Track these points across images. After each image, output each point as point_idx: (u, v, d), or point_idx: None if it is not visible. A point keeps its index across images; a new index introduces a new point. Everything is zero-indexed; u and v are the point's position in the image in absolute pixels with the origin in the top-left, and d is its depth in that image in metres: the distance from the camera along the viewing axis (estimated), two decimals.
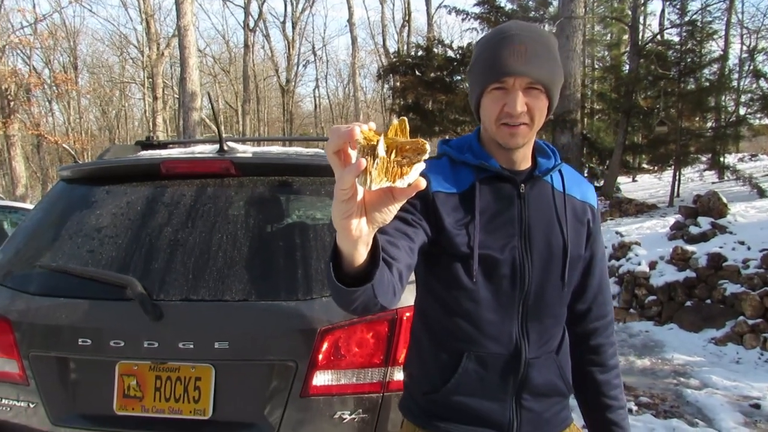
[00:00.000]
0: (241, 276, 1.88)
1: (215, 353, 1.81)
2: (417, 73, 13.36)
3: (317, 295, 1.83)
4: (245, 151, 2.32)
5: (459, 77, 13.97)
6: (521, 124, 1.16)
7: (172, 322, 1.82)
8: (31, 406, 1.92)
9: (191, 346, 1.81)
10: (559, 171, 1.30)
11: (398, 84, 14.06)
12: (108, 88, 33.79)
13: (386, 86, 15.78)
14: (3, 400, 1.95)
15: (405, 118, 0.75)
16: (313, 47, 37.84)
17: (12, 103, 17.34)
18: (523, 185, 1.24)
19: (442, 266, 1.22)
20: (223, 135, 2.31)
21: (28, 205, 7.10)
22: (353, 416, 1.81)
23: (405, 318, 1.82)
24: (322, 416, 1.80)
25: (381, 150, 0.68)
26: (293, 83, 34.31)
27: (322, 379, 1.80)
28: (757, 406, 4.04)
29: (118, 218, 2.08)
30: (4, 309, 1.95)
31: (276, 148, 2.70)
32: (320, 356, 1.79)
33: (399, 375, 1.81)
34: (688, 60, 10.99)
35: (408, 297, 1.84)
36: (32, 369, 1.91)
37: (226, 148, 2.28)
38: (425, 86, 12.96)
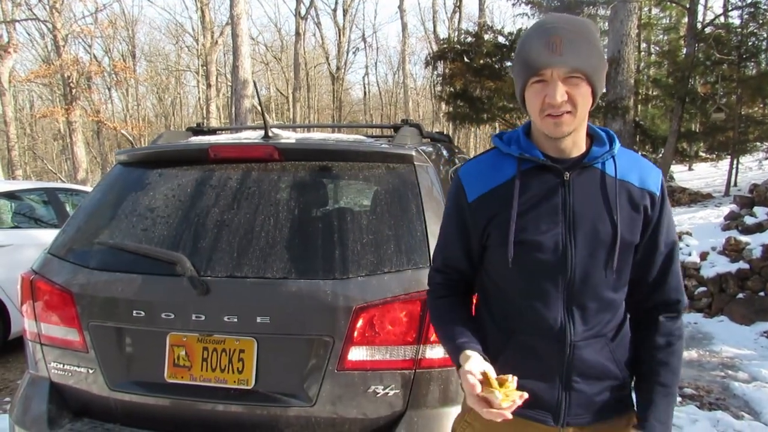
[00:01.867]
0: (282, 255, 1.98)
1: (257, 327, 1.92)
2: (465, 59, 13.22)
3: (353, 275, 1.91)
4: (289, 137, 2.43)
5: (508, 63, 13.76)
6: (564, 113, 1.20)
7: (217, 297, 1.94)
8: (90, 372, 2.08)
9: (235, 320, 1.93)
10: (613, 157, 1.29)
11: (446, 71, 13.96)
12: (164, 76, 34.84)
13: (435, 73, 15.69)
14: (65, 366, 2.13)
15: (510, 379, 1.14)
16: (363, 34, 38.00)
17: (74, 91, 18.11)
18: (567, 173, 1.27)
19: (488, 252, 1.35)
20: (269, 122, 2.41)
21: (89, 189, 7.47)
22: (386, 391, 1.89)
23: None
24: (357, 390, 1.89)
25: (498, 400, 1.10)
26: (343, 71, 34.49)
27: (357, 354, 1.88)
28: None
29: (170, 199, 2.21)
30: (66, 282, 2.11)
31: (321, 135, 2.79)
32: (355, 333, 1.88)
33: (430, 353, 1.88)
34: (749, 44, 10.49)
35: None
36: (91, 338, 2.07)
37: (270, 134, 2.39)
38: (473, 73, 12.81)
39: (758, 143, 11.47)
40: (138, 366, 2.06)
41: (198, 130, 2.94)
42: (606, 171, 1.28)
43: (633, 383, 1.38)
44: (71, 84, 18.09)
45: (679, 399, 3.97)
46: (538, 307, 1.27)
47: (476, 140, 34.08)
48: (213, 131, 2.99)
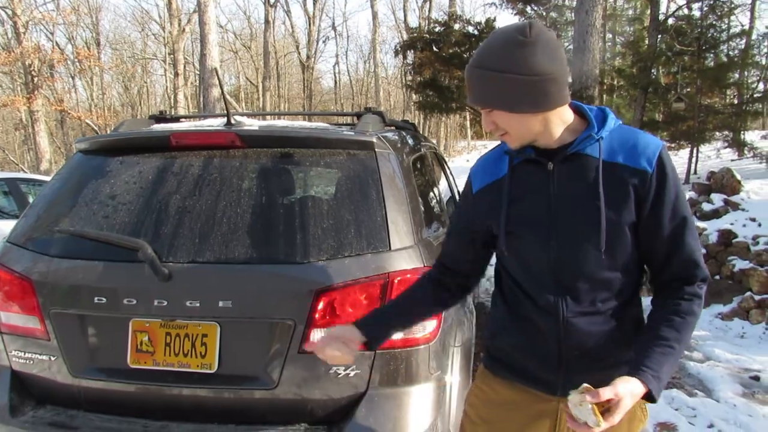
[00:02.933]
0: (243, 240, 2.01)
1: (220, 312, 1.95)
2: (434, 49, 13.29)
3: (314, 259, 1.95)
4: (252, 124, 2.44)
5: None
6: (501, 135, 1.34)
7: (179, 283, 1.97)
8: (53, 359, 2.08)
9: (197, 305, 1.96)
10: (600, 139, 1.31)
11: (415, 60, 14.00)
12: (130, 65, 34.09)
13: (404, 62, 15.72)
14: (27, 354, 2.13)
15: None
16: (333, 23, 37.73)
17: (35, 79, 17.65)
18: (551, 164, 1.33)
19: (496, 240, 1.45)
20: (231, 110, 2.42)
21: None
22: (347, 371, 1.94)
23: (396, 281, 1.94)
24: (319, 372, 1.93)
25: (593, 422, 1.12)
26: (313, 59, 34.25)
27: (318, 336, 1.93)
28: (757, 378, 4.11)
29: (131, 187, 2.22)
30: (26, 270, 2.11)
31: (285, 123, 2.81)
32: (316, 315, 1.92)
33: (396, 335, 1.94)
34: (708, 35, 10.78)
35: (401, 262, 1.98)
36: (53, 325, 2.07)
37: (233, 121, 2.40)
38: (442, 62, 12.90)
39: (717, 132, 11.79)
40: (101, 352, 2.07)
41: (161, 118, 2.92)
42: (592, 155, 1.31)
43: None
44: (33, 72, 17.63)
45: None
46: (534, 288, 1.37)
47: (446, 130, 34.26)
48: (176, 119, 2.98)
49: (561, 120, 1.33)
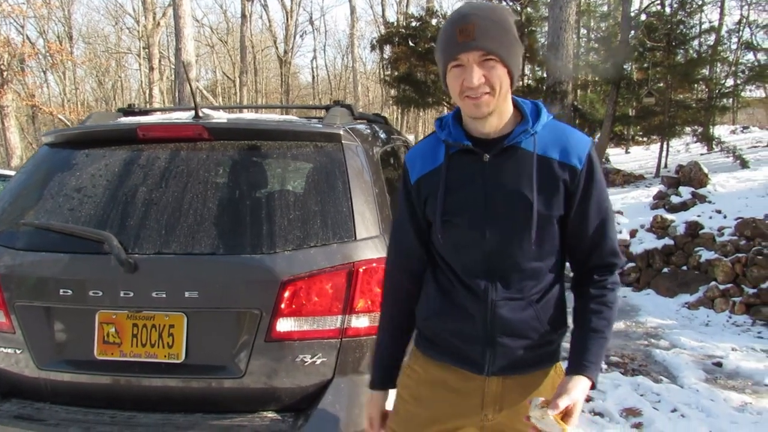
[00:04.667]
0: (210, 232, 2.03)
1: (186, 302, 1.97)
2: (410, 43, 13.33)
3: (280, 249, 1.98)
4: (220, 117, 2.45)
5: None
6: (483, 95, 1.28)
7: (146, 274, 1.97)
8: (18, 352, 2.08)
9: (164, 296, 1.97)
10: (535, 134, 1.34)
11: (392, 55, 14.02)
12: (104, 59, 33.52)
13: (381, 57, 15.73)
14: None
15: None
16: (311, 17, 37.49)
17: (5, 74, 17.27)
18: (487, 155, 1.35)
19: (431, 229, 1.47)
20: (202, 104, 2.43)
21: None
22: (314, 360, 1.97)
23: (362, 270, 1.97)
24: (286, 360, 1.96)
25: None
26: (291, 54, 34.05)
27: (285, 325, 1.95)
28: (720, 365, 4.24)
29: (97, 179, 2.21)
30: None
31: (254, 115, 2.82)
32: (283, 305, 1.95)
33: (356, 322, 1.97)
34: (678, 31, 10.99)
35: (366, 252, 2.01)
36: (18, 318, 2.06)
37: (201, 114, 2.41)
38: (418, 57, 12.94)
39: (686, 127, 12.04)
40: (67, 345, 2.08)
41: (129, 111, 2.92)
42: (526, 148, 1.34)
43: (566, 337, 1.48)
44: (2, 66, 17.23)
45: (604, 366, 4.21)
46: (466, 274, 1.40)
47: (425, 126, 34.36)
48: (145, 112, 2.98)
49: (510, 102, 1.37)
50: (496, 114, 1.34)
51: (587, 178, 1.34)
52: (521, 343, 1.39)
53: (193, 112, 2.44)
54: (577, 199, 1.35)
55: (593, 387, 1.31)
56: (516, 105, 1.39)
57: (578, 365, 1.31)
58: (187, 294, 1.96)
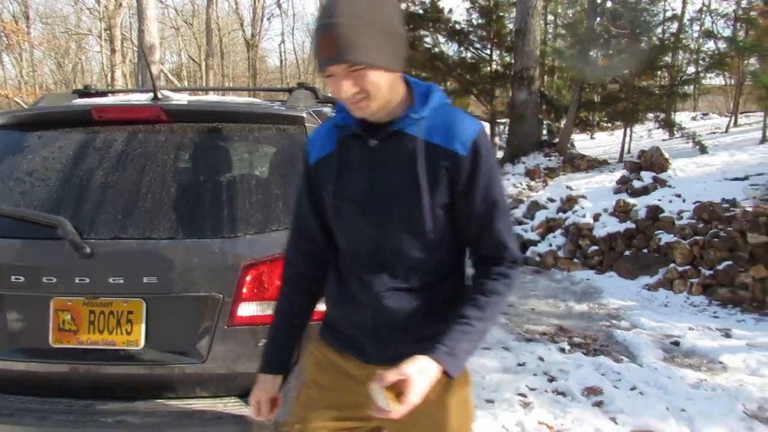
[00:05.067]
0: (169, 216, 1.99)
1: (145, 288, 1.93)
2: None
3: (241, 233, 1.95)
4: (180, 99, 2.40)
5: (422, 32, 13.89)
6: (360, 101, 1.23)
7: (102, 260, 1.93)
8: None
9: (122, 282, 1.93)
10: (422, 119, 1.29)
11: None
12: (63, 40, 32.42)
13: None
14: None
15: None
16: (278, 0, 36.77)
17: None
18: (373, 141, 1.31)
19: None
20: (157, 84, 2.38)
21: None
22: None
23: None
24: (248, 344, 1.95)
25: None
26: (258, 37, 33.48)
27: (246, 310, 1.93)
28: (677, 343, 4.37)
29: (51, 162, 2.15)
30: None
31: (215, 98, 2.77)
32: (244, 289, 1.92)
33: (319, 306, 1.96)
34: (642, 19, 11.18)
35: None
36: None
37: (160, 96, 2.36)
38: None
39: (649, 113, 12.29)
40: (21, 333, 2.02)
41: (85, 93, 2.83)
42: (412, 134, 1.29)
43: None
44: None
45: (568, 347, 4.31)
46: (355, 261, 1.39)
47: None
48: (102, 93, 2.89)
49: (400, 87, 1.30)
50: (383, 107, 1.28)
51: (472, 166, 1.27)
52: (407, 335, 1.36)
53: (152, 94, 2.38)
54: (460, 188, 1.28)
55: (447, 375, 1.22)
56: (409, 87, 1.33)
57: (431, 347, 1.24)
58: (145, 279, 1.92)
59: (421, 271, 1.35)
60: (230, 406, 1.94)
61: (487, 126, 14.69)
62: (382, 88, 1.23)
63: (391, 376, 1.15)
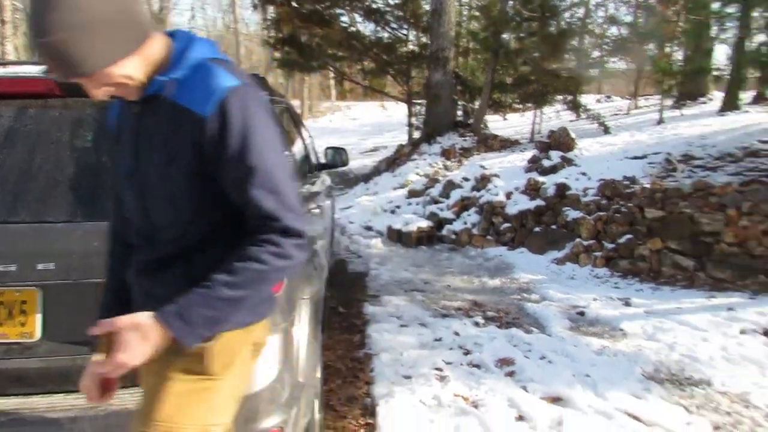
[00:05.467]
0: (66, 197, 1.86)
1: (40, 275, 1.79)
2: (294, 4, 12.93)
3: None
4: None
5: (338, 11, 13.74)
6: (119, 92, 1.21)
7: None
8: None
9: (13, 269, 1.78)
10: (176, 80, 1.21)
11: (275, 15, 13.54)
12: None
13: (264, 18, 15.14)
14: None
15: None
16: None
17: None
18: (136, 107, 1.27)
19: None
20: None
21: None
22: None
23: None
24: None
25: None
26: (167, 12, 31.84)
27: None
28: (582, 314, 4.63)
29: None
30: None
31: None
32: None
33: None
34: (550, 4, 11.62)
35: None
36: None
37: None
38: (302, 18, 12.60)
39: (558, 96, 12.86)
40: None
41: None
42: (165, 96, 1.22)
43: None
44: None
45: (482, 321, 4.45)
46: (128, 232, 1.43)
47: (310, 90, 33.82)
48: None
49: (156, 51, 1.22)
50: (144, 80, 1.22)
51: (220, 129, 1.17)
52: (160, 304, 1.22)
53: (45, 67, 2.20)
54: (207, 153, 1.19)
55: (182, 343, 1.17)
56: (168, 48, 1.25)
57: (163, 307, 1.18)
58: (40, 266, 1.79)
59: (179, 242, 1.30)
60: (138, 395, 1.86)
61: (404, 106, 14.77)
62: (133, 72, 1.17)
63: (103, 326, 1.12)
